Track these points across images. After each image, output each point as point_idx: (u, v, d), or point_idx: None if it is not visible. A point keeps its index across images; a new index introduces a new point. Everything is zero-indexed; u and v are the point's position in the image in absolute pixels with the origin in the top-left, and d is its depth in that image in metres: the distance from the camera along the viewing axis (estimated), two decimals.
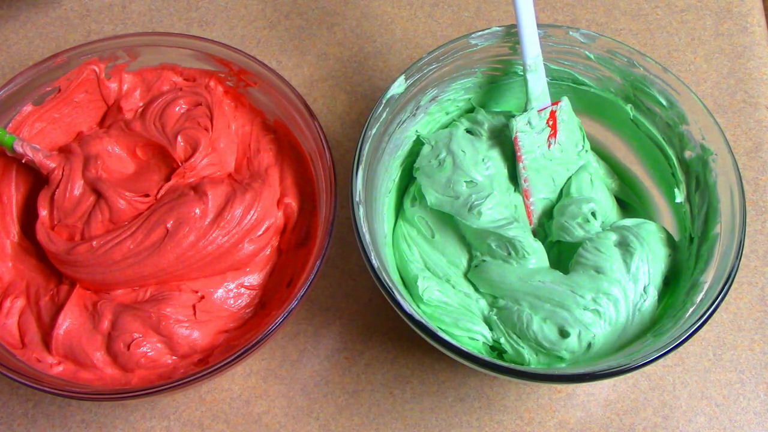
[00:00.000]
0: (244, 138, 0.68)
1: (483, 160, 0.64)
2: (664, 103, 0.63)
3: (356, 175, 0.58)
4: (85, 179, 0.63)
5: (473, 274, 0.63)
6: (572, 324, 0.58)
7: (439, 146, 0.65)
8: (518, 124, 0.63)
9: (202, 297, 0.62)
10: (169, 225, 0.60)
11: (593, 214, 0.63)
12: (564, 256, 0.64)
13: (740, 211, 0.57)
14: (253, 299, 0.64)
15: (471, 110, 0.69)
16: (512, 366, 0.54)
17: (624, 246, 0.60)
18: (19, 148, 0.62)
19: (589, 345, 0.58)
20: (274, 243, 0.65)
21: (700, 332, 0.54)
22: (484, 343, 0.61)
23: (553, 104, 0.64)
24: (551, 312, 0.59)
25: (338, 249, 0.71)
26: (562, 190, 0.66)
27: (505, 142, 0.65)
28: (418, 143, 0.67)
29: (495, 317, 0.61)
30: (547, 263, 0.62)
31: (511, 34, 0.63)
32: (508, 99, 0.70)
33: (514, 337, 0.60)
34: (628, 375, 0.62)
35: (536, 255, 0.61)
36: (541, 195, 0.66)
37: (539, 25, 0.62)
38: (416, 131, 0.67)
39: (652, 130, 0.65)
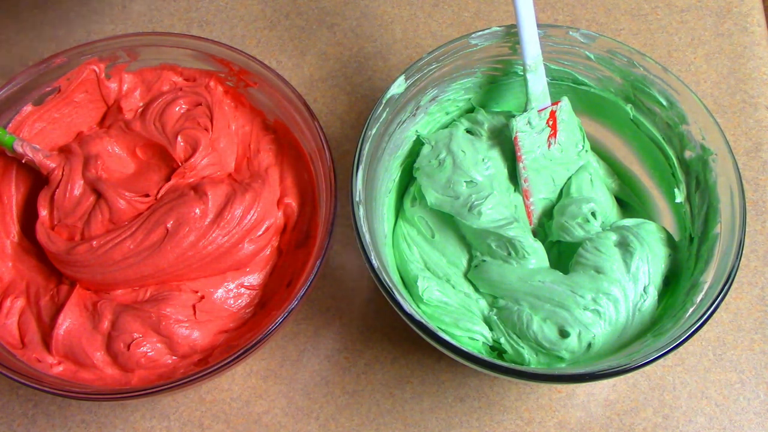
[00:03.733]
0: (244, 138, 0.68)
1: (483, 160, 0.64)
2: (664, 103, 0.63)
3: (356, 175, 0.58)
4: (85, 179, 0.63)
5: (473, 274, 0.63)
6: (572, 324, 0.58)
7: (439, 146, 0.65)
8: (518, 124, 0.63)
9: (202, 297, 0.62)
10: (169, 225, 0.60)
11: (593, 214, 0.63)
12: (564, 256, 0.64)
13: (740, 211, 0.57)
14: (253, 299, 0.64)
15: (471, 110, 0.69)
16: (512, 366, 0.54)
17: (624, 246, 0.60)
18: (19, 148, 0.62)
19: (589, 345, 0.58)
20: (274, 243, 0.65)
21: (700, 332, 0.54)
22: (484, 343, 0.61)
23: (553, 104, 0.64)
24: (551, 312, 0.59)
25: (338, 249, 0.71)
26: (562, 190, 0.66)
27: (505, 142, 0.65)
28: (418, 143, 0.67)
29: (495, 317, 0.61)
30: (547, 263, 0.62)
31: (511, 34, 0.63)
32: (508, 99, 0.70)
33: (514, 337, 0.60)
34: (628, 375, 0.62)
35: (536, 255, 0.61)
36: (541, 195, 0.66)
37: (539, 25, 0.62)
38: (416, 131, 0.67)
39: (652, 130, 0.65)
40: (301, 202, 0.65)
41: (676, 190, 0.63)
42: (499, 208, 0.62)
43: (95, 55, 0.66)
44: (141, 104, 0.67)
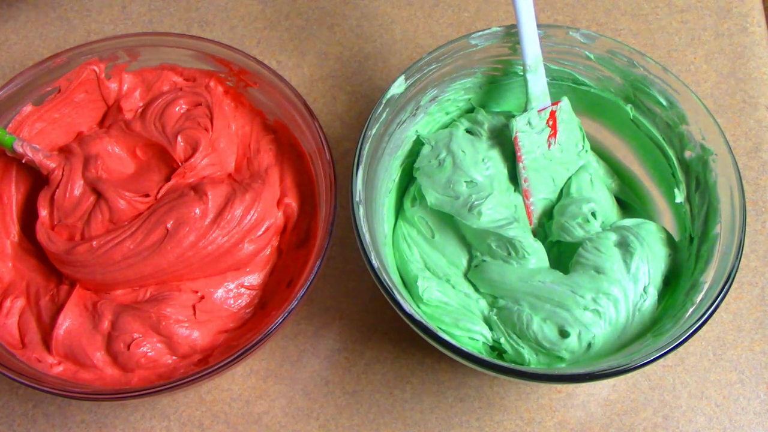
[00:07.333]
0: (244, 138, 0.68)
1: (483, 160, 0.64)
2: (664, 103, 0.63)
3: (356, 175, 0.58)
4: (85, 179, 0.63)
5: (473, 274, 0.63)
6: (572, 324, 0.58)
7: (439, 146, 0.65)
8: (518, 124, 0.63)
9: (202, 297, 0.62)
10: (169, 225, 0.60)
11: (593, 214, 0.63)
12: (564, 256, 0.64)
13: (740, 211, 0.57)
14: (253, 299, 0.64)
15: (471, 110, 0.69)
16: (512, 366, 0.54)
17: (624, 246, 0.60)
18: (19, 149, 0.62)
19: (589, 345, 0.58)
20: (274, 243, 0.65)
21: (700, 332, 0.54)
22: (484, 343, 0.61)
23: (553, 104, 0.64)
24: (551, 312, 0.59)
25: (338, 249, 0.71)
26: (562, 190, 0.66)
27: (505, 142, 0.65)
28: (418, 143, 0.67)
29: (495, 317, 0.61)
30: (547, 263, 0.62)
31: (511, 34, 0.63)
32: (508, 99, 0.70)
33: (514, 337, 0.60)
34: (628, 375, 0.62)
35: (536, 255, 0.61)
36: (541, 195, 0.66)
37: (539, 25, 0.62)
38: (416, 131, 0.67)
39: (652, 130, 0.65)
40: (301, 202, 0.65)
41: (676, 190, 0.63)
42: (499, 208, 0.62)
43: (95, 55, 0.66)
44: (141, 104, 0.67)
